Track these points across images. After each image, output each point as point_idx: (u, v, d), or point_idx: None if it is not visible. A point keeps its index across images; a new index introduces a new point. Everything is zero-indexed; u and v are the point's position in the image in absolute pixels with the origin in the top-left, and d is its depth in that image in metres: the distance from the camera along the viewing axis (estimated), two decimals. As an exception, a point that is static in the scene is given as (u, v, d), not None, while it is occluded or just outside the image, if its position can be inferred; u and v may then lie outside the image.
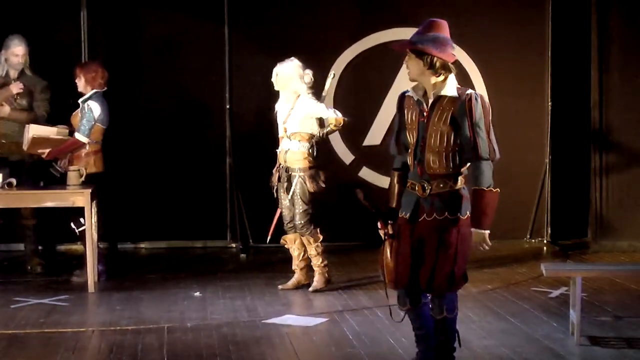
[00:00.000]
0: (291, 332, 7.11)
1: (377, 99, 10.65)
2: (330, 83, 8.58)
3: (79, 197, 8.38)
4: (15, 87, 8.97)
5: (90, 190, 8.39)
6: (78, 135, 8.66)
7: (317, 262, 8.44)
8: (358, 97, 10.63)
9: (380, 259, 5.84)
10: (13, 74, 9.09)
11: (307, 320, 7.40)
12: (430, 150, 5.59)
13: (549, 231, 10.80)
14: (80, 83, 8.76)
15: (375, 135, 10.65)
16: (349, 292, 8.38)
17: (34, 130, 8.62)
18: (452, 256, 5.57)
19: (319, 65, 10.49)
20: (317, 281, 8.43)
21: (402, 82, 10.45)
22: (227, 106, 10.51)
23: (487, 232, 5.59)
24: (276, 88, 8.38)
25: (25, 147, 8.69)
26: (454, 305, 5.71)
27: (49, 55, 9.82)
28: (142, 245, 10.56)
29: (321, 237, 8.46)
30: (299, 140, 8.34)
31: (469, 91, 5.62)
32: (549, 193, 10.76)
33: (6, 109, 8.97)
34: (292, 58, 8.35)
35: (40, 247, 9.28)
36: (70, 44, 10.19)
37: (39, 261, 9.19)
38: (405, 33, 10.48)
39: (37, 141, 8.61)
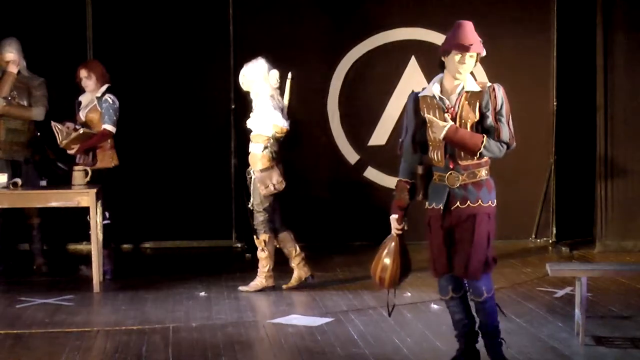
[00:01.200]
0: (296, 332, 7.11)
1: (383, 99, 10.65)
2: (288, 85, 8.56)
3: (84, 197, 8.38)
4: (13, 67, 8.96)
5: (95, 190, 8.40)
6: (107, 126, 8.73)
7: (261, 265, 8.43)
8: (363, 97, 10.64)
9: (381, 257, 6.07)
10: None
11: (312, 320, 7.40)
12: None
13: (554, 231, 10.80)
14: (91, 81, 8.80)
15: (380, 135, 10.65)
16: (354, 292, 8.38)
17: (80, 129, 8.68)
18: (486, 241, 5.91)
19: (324, 65, 10.56)
20: (252, 284, 8.41)
21: (407, 82, 10.51)
22: (232, 106, 10.51)
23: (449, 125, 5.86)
24: (244, 89, 8.45)
25: (62, 143, 8.69)
26: (491, 285, 6.01)
27: (52, 54, 9.81)
28: (147, 245, 10.58)
29: (264, 243, 8.41)
30: (256, 142, 8.38)
31: (489, 83, 6.00)
32: (554, 193, 10.76)
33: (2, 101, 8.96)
34: (259, 58, 8.38)
35: (45, 247, 9.27)
36: (75, 43, 10.19)
37: (44, 261, 9.20)
38: (411, 33, 10.57)
39: (75, 137, 8.64)
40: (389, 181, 10.60)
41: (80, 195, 8.40)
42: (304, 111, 10.58)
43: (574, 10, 10.59)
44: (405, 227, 6.07)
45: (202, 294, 8.32)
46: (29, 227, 9.24)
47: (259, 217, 8.41)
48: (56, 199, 8.42)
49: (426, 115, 5.89)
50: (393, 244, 6.09)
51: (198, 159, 10.47)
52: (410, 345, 6.73)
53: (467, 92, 5.90)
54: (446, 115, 5.86)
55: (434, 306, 7.67)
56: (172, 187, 10.39)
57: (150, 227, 10.47)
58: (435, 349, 6.67)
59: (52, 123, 8.71)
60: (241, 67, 10.37)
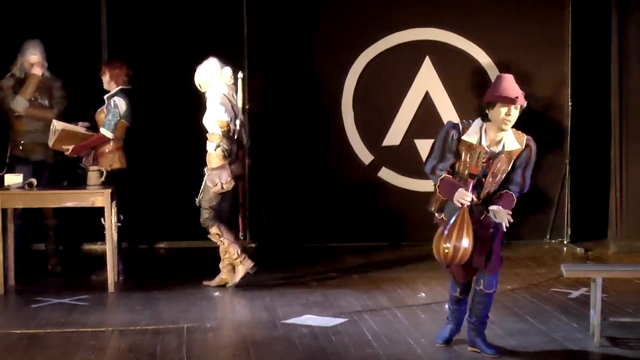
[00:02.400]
0: (310, 332, 7.11)
1: (397, 99, 10.64)
2: (240, 85, 8.70)
3: (99, 197, 8.40)
4: (38, 69, 9.00)
5: (110, 190, 8.42)
6: (103, 131, 8.71)
7: (228, 256, 8.49)
8: (377, 97, 10.63)
9: (453, 238, 6.22)
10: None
11: (326, 321, 7.39)
12: (487, 186, 6.35)
13: (569, 232, 10.76)
14: (105, 79, 8.83)
15: (394, 136, 10.64)
16: (368, 292, 8.37)
17: (61, 125, 8.68)
18: (501, 241, 6.46)
19: (338, 65, 10.55)
20: (236, 274, 8.49)
21: (422, 82, 10.51)
22: (246, 106, 10.51)
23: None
24: (201, 90, 8.51)
25: (50, 144, 8.72)
26: (497, 280, 6.57)
27: (69, 54, 9.84)
28: (161, 245, 10.59)
29: (225, 231, 8.49)
30: (210, 141, 8.48)
31: (526, 139, 6.39)
32: (569, 194, 10.73)
33: (24, 101, 8.99)
34: (210, 58, 8.47)
35: (60, 247, 9.29)
36: (90, 44, 10.21)
37: (58, 261, 9.22)
38: (425, 33, 10.55)
39: (63, 135, 8.65)
40: (403, 182, 10.61)
41: (95, 196, 8.42)
42: (318, 112, 10.61)
43: (589, 11, 10.55)
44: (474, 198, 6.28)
45: (216, 294, 8.32)
46: (45, 228, 9.26)
47: (205, 214, 8.51)
48: (71, 199, 8.44)
49: (493, 210, 6.28)
50: (461, 215, 6.21)
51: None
52: (424, 345, 6.72)
53: (507, 150, 6.31)
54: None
55: (448, 306, 7.64)
56: (186, 187, 10.34)
57: (164, 227, 10.48)
58: (449, 349, 6.66)
59: (53, 121, 8.74)
60: (255, 67, 10.48)
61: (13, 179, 8.50)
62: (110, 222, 8.49)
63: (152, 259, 10.06)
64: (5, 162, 9.05)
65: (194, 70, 9.26)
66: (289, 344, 6.81)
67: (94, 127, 8.88)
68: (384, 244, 10.48)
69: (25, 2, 10.17)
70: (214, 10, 10.47)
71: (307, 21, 10.55)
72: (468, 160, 6.27)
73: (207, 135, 8.48)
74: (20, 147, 9.08)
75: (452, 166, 6.36)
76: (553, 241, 10.78)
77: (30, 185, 8.48)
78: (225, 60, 10.35)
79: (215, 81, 8.41)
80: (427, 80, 10.53)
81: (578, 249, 10.35)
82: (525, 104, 6.27)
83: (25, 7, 10.13)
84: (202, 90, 8.51)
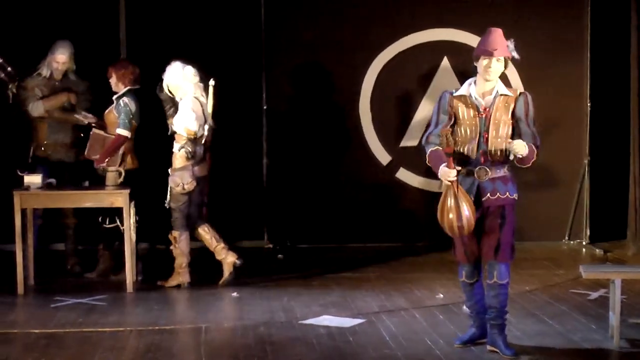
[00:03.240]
0: (328, 332, 7.11)
1: (415, 100, 10.62)
2: (211, 92, 8.76)
3: (118, 198, 8.43)
4: (64, 97, 9.06)
5: (128, 191, 8.44)
6: (120, 130, 8.73)
7: (177, 261, 8.59)
8: (395, 97, 10.62)
9: (447, 211, 6.37)
10: (57, 74, 9.14)
11: (344, 321, 7.39)
12: (493, 141, 6.42)
13: (588, 232, 10.72)
14: (112, 81, 8.86)
15: (412, 136, 10.62)
16: (385, 293, 8.36)
17: (94, 134, 8.74)
18: (512, 229, 6.52)
19: (356, 66, 10.55)
20: (171, 279, 8.59)
21: (439, 83, 10.48)
22: (264, 107, 10.53)
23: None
24: (175, 98, 8.61)
25: (85, 152, 8.76)
26: (509, 271, 6.60)
27: (90, 56, 9.84)
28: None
29: (183, 240, 8.58)
30: (175, 141, 8.58)
31: (519, 90, 6.66)
32: (588, 194, 10.68)
33: (40, 106, 9.02)
34: (172, 62, 8.59)
35: (79, 247, 9.32)
36: (108, 45, 10.23)
37: (77, 260, 9.25)
38: (443, 34, 10.52)
39: (94, 142, 8.69)
40: (421, 182, 10.59)
41: (114, 196, 8.46)
42: (336, 113, 10.61)
43: (608, 9, 10.51)
44: (457, 169, 6.38)
45: (234, 294, 8.33)
46: (64, 227, 9.29)
47: (174, 214, 8.59)
48: (90, 200, 8.48)
49: (512, 143, 6.35)
50: (453, 192, 6.35)
51: (229, 160, 10.47)
52: (442, 346, 6.72)
53: (501, 95, 6.47)
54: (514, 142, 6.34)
55: (466, 309, 7.62)
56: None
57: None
58: (467, 350, 6.65)
59: (81, 114, 8.79)
60: (273, 68, 10.48)
61: (32, 179, 8.53)
62: (129, 222, 8.52)
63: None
64: (27, 162, 9.08)
65: (213, 71, 9.32)
66: (306, 344, 6.81)
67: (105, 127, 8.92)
68: (402, 245, 10.47)
69: (47, 2, 10.21)
70: (232, 10, 10.47)
71: (325, 22, 10.54)
72: (465, 117, 6.45)
73: (175, 136, 8.57)
74: (42, 148, 9.11)
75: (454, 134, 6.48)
76: (572, 242, 10.74)
77: (50, 185, 8.52)
78: (243, 61, 10.47)
79: (182, 82, 8.52)
80: (445, 81, 10.50)
81: (597, 250, 10.31)
82: (511, 55, 6.48)
83: (47, 7, 10.16)
84: (175, 96, 8.61)
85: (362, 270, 9.40)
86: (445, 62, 10.58)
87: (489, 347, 6.60)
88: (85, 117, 8.96)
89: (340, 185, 10.59)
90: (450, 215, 6.34)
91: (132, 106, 8.76)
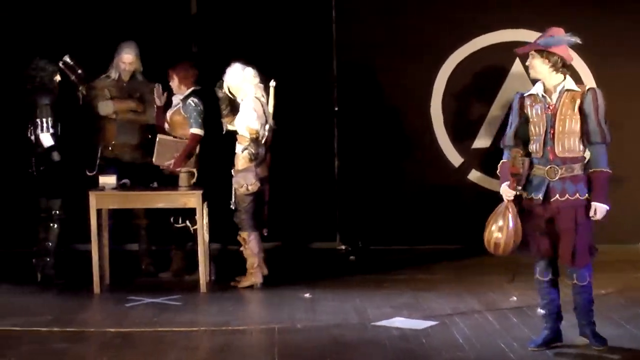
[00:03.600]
0: (400, 334, 7.08)
1: (487, 101, 10.55)
2: (272, 93, 8.76)
3: (191, 199, 8.50)
4: (133, 103, 9.16)
5: (201, 192, 8.51)
6: (194, 130, 8.81)
7: (248, 262, 8.60)
8: (467, 99, 10.55)
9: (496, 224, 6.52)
10: (125, 76, 9.25)
11: (417, 323, 7.36)
12: (560, 137, 6.42)
13: (664, 235, 10.55)
14: (174, 84, 8.94)
15: (484, 138, 10.55)
16: (458, 295, 8.32)
17: (162, 138, 8.82)
18: (588, 231, 6.48)
19: (427, 67, 10.50)
20: (244, 280, 8.61)
21: (511, 84, 10.39)
22: (335, 108, 10.53)
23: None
24: (238, 99, 8.66)
25: (154, 160, 8.85)
26: (591, 271, 6.59)
27: (160, 57, 9.93)
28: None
29: (253, 240, 8.59)
30: (238, 143, 8.61)
31: (589, 86, 6.67)
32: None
33: (110, 106, 9.13)
34: (232, 64, 8.63)
35: (153, 247, 9.41)
36: (179, 46, 10.31)
37: (151, 261, 9.33)
38: (514, 35, 10.43)
39: (161, 149, 8.77)
40: (494, 184, 10.44)
41: (187, 197, 8.53)
42: (407, 114, 10.57)
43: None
44: (517, 193, 6.47)
45: (307, 295, 8.34)
46: (137, 228, 9.38)
47: (240, 215, 8.59)
48: (163, 201, 8.57)
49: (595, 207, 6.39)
50: (506, 212, 6.46)
51: (301, 161, 10.51)
52: (516, 349, 6.65)
53: (567, 90, 6.47)
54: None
55: (540, 311, 7.54)
56: (276, 189, 10.41)
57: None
58: (542, 353, 6.58)
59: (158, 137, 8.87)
60: (344, 69, 10.48)
61: (107, 180, 8.64)
62: (202, 223, 8.58)
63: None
64: (96, 163, 9.20)
65: (284, 73, 9.38)
66: (379, 346, 6.80)
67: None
68: (475, 247, 10.37)
69: (117, 4, 10.33)
70: (302, 11, 10.49)
71: (396, 23, 10.50)
72: (534, 115, 6.48)
73: (237, 136, 8.61)
74: (110, 148, 9.21)
75: (528, 134, 6.50)
76: (648, 245, 10.58)
77: (124, 186, 8.62)
78: (315, 62, 10.49)
79: (242, 84, 8.57)
80: (517, 82, 10.38)
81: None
82: (534, 48, 6.52)
83: (116, 9, 10.27)
84: (236, 98, 8.66)
85: (435, 271, 9.36)
86: (517, 63, 10.48)
87: (580, 337, 6.66)
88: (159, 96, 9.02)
89: (412, 187, 10.55)
90: (494, 229, 6.48)
91: (201, 105, 8.84)
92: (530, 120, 6.52)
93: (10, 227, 10.15)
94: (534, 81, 6.68)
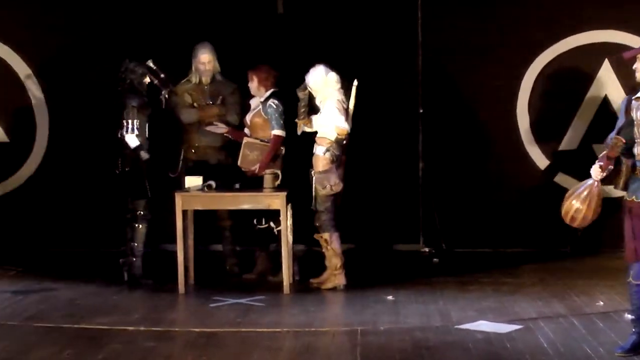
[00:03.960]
0: (484, 338, 7.03)
1: (574, 103, 10.42)
2: (354, 92, 8.71)
3: (275, 200, 8.56)
4: (217, 109, 9.26)
5: (285, 193, 8.56)
6: (276, 131, 8.86)
7: (330, 263, 8.62)
8: (554, 100, 10.43)
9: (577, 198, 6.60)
10: (205, 79, 9.32)
11: (501, 327, 7.30)
12: None
13: None
14: (253, 85, 8.99)
15: (571, 140, 10.42)
16: (543, 299, 8.23)
17: (247, 140, 8.90)
18: None
19: (513, 68, 10.41)
20: (328, 281, 8.63)
21: (600, 86, 10.26)
22: (420, 110, 10.50)
23: None
24: (317, 100, 8.70)
25: (239, 162, 8.93)
26: None
27: (240, 58, 10.00)
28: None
29: (334, 241, 8.61)
30: (319, 144, 8.62)
31: None
32: None
33: (193, 114, 9.23)
34: (316, 65, 8.66)
35: (237, 248, 9.49)
36: (269, 50, 10.38)
37: (236, 261, 9.41)
38: (603, 36, 10.29)
39: (247, 152, 8.85)
40: (581, 187, 10.35)
41: (271, 198, 8.58)
42: (492, 115, 10.49)
43: None
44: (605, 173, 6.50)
45: (390, 297, 8.33)
46: (221, 229, 9.46)
47: (322, 216, 8.61)
48: (247, 202, 8.63)
49: None
50: (592, 188, 6.50)
51: (386, 163, 10.50)
52: (602, 354, 6.56)
53: None
54: None
55: (628, 316, 7.43)
56: (359, 191, 10.43)
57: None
58: (629, 358, 6.47)
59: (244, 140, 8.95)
60: (429, 71, 10.44)
61: (193, 181, 8.74)
62: (286, 224, 8.63)
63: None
64: (179, 165, 9.30)
65: (368, 74, 9.38)
66: (462, 349, 6.76)
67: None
68: (560, 250, 10.28)
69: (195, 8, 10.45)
70: (388, 11, 10.47)
71: (483, 23, 10.43)
72: (637, 118, 6.45)
73: (316, 138, 8.65)
74: (193, 150, 9.31)
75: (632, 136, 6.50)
76: None
77: (210, 187, 8.70)
78: (400, 64, 10.47)
79: (324, 87, 8.63)
80: (606, 84, 10.28)
81: None
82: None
83: (196, 13, 10.39)
84: (315, 98, 8.71)
85: (519, 275, 9.27)
86: (605, 64, 10.34)
87: None
88: (217, 128, 9.12)
89: (497, 189, 10.47)
90: (575, 202, 6.57)
91: (281, 106, 8.89)
92: (635, 122, 6.50)
93: (99, 227, 10.34)
94: (623, 83, 6.70)
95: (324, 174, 8.60)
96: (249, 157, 8.86)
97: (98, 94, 10.17)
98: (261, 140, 8.92)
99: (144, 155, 8.81)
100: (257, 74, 8.97)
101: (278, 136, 8.87)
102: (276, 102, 8.89)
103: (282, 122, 8.88)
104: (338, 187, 8.61)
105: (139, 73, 8.95)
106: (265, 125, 8.90)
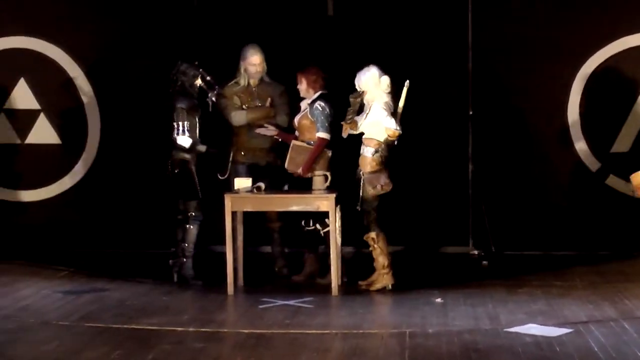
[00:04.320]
0: (534, 341, 6.98)
1: (626, 105, 10.33)
2: (404, 93, 8.67)
3: (324, 202, 8.57)
4: (266, 111, 9.27)
5: (334, 195, 8.56)
6: (321, 134, 8.87)
7: (377, 263, 8.65)
8: (606, 102, 10.35)
9: None
10: (253, 81, 9.34)
11: (551, 331, 7.25)
12: None
13: None
14: (302, 87, 9.00)
15: (623, 142, 10.33)
16: (594, 302, 8.16)
17: (295, 145, 8.93)
18: None
19: (565, 70, 10.33)
20: (376, 282, 8.66)
21: (652, 87, 10.16)
22: (470, 112, 10.46)
23: None
24: (365, 101, 8.67)
25: (286, 165, 8.95)
26: None
27: (290, 60, 10.01)
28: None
29: (382, 242, 8.65)
30: (367, 145, 8.64)
31: None
32: None
33: (243, 116, 9.26)
34: (370, 66, 8.66)
35: (286, 250, 9.52)
36: (315, 48, 10.39)
37: (285, 263, 9.43)
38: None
39: (294, 155, 8.87)
40: (633, 190, 10.26)
41: (320, 200, 8.59)
42: (543, 117, 10.42)
43: None
44: None
45: (439, 300, 8.31)
46: (270, 230, 9.49)
47: (370, 217, 8.65)
48: (297, 204, 8.65)
49: None
50: None
51: (435, 165, 10.47)
52: (654, 359, 6.51)
53: None
54: None
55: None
56: (409, 193, 10.42)
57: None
58: (682, 364, 6.41)
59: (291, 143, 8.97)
60: (479, 73, 10.40)
61: (242, 183, 8.78)
62: (335, 226, 8.64)
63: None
64: (227, 167, 9.34)
65: (418, 76, 9.35)
66: (512, 353, 6.72)
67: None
68: (612, 253, 10.18)
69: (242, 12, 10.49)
70: (438, 11, 10.43)
71: (533, 24, 10.36)
72: None
73: (364, 139, 8.67)
74: (242, 152, 9.34)
75: None
76: None
77: (259, 189, 8.74)
78: (450, 66, 10.43)
79: (374, 89, 8.63)
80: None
81: None
82: None
83: (242, 16, 10.44)
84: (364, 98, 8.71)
85: (570, 278, 9.20)
86: (658, 65, 10.26)
87: None
88: (267, 130, 9.14)
89: (547, 191, 10.40)
90: None
91: (328, 109, 8.89)
92: None
93: (149, 228, 10.42)
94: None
95: (374, 174, 8.62)
96: (296, 160, 8.88)
97: (148, 95, 10.27)
98: (308, 143, 8.93)
99: (201, 148, 8.92)
100: (306, 76, 8.99)
101: (322, 139, 8.87)
102: (322, 104, 8.90)
103: (327, 124, 8.88)
104: (388, 187, 8.65)
105: (190, 75, 9.01)
106: (312, 127, 8.92)
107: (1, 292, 8.71)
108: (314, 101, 8.94)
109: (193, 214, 8.98)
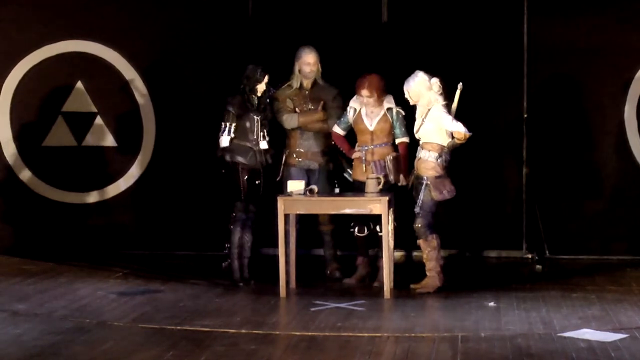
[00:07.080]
0: (588, 347, 6.92)
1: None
2: (457, 95, 8.64)
3: (377, 205, 8.56)
4: (318, 115, 9.28)
5: (387, 198, 8.56)
6: (405, 139, 8.98)
7: (428, 266, 8.65)
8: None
9: None
10: (306, 84, 9.35)
11: (606, 336, 7.18)
12: None
13: None
14: (372, 100, 8.99)
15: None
16: (650, 307, 8.09)
17: (393, 159, 8.97)
18: None
19: (620, 71, 10.22)
20: (424, 285, 8.68)
21: None
22: (525, 115, 10.39)
23: None
24: (411, 103, 8.73)
25: (391, 178, 8.93)
26: None
27: (345, 66, 10.01)
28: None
29: (436, 245, 8.65)
30: (429, 150, 8.61)
31: None
32: None
33: (295, 119, 9.27)
34: (417, 72, 8.68)
35: (338, 253, 9.52)
36: (370, 54, 10.40)
37: (337, 266, 9.44)
38: None
39: (394, 167, 8.90)
40: (691, 194, 10.15)
41: (373, 203, 8.59)
42: (599, 120, 10.33)
43: None
44: None
45: (492, 304, 8.27)
46: (322, 233, 9.50)
47: (424, 220, 8.62)
48: (349, 206, 8.65)
49: None
50: None
51: (489, 168, 10.43)
52: None
53: None
54: None
55: None
56: (463, 196, 10.31)
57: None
58: None
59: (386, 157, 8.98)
60: (534, 75, 10.32)
61: (295, 186, 8.81)
62: (387, 229, 8.64)
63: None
64: (280, 170, 9.37)
65: (473, 78, 9.32)
66: (565, 358, 6.66)
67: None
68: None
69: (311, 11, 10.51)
70: (494, 13, 10.38)
71: (589, 26, 10.26)
72: None
73: (424, 144, 8.67)
74: (294, 155, 9.36)
75: None
76: None
77: (312, 191, 8.75)
78: (504, 68, 10.38)
79: (426, 93, 8.63)
80: None
81: None
82: None
83: (297, 16, 10.46)
84: (412, 103, 8.74)
85: (626, 283, 9.11)
86: None
87: None
88: (356, 153, 9.11)
89: (603, 195, 10.30)
90: None
91: (402, 112, 8.94)
92: None
93: (204, 229, 10.49)
94: None
95: (439, 179, 8.64)
96: (397, 171, 8.90)
97: (203, 97, 10.36)
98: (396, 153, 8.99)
99: (226, 155, 8.90)
100: (376, 89, 8.94)
101: (407, 143, 8.96)
102: (400, 109, 8.97)
103: (405, 130, 8.98)
104: (453, 192, 8.66)
105: (253, 79, 9.01)
106: (390, 131, 9.01)
107: (59, 293, 8.83)
108: (391, 106, 8.99)
109: (235, 215, 9.01)
